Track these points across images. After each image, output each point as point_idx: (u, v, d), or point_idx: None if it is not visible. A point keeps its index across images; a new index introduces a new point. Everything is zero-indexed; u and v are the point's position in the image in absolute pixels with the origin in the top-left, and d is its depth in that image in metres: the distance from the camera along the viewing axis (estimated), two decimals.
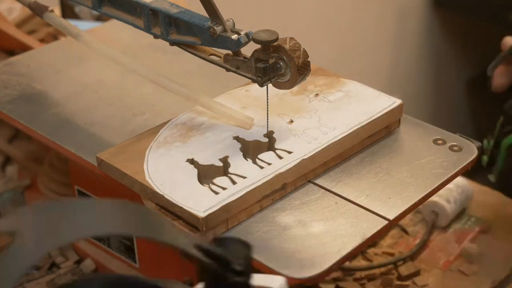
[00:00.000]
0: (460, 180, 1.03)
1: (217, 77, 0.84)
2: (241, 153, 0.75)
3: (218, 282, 0.54)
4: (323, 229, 0.69)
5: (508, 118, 0.95)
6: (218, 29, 0.72)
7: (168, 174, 0.72)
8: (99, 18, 1.20)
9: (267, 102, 0.77)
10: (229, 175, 0.72)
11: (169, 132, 0.78)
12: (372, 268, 0.94)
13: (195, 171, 0.73)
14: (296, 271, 0.65)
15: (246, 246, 0.55)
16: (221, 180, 0.71)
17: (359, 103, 0.82)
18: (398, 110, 0.82)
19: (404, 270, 0.94)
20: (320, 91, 0.84)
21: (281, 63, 0.73)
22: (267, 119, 0.77)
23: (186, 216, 0.68)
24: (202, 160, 0.74)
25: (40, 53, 1.00)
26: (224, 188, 0.70)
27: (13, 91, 0.90)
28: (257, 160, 0.74)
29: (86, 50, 0.84)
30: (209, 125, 0.79)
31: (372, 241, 0.70)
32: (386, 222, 0.70)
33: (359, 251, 0.69)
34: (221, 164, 0.74)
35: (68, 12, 1.22)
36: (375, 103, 0.81)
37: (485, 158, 0.96)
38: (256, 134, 0.77)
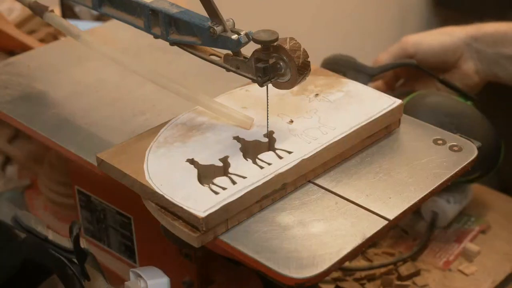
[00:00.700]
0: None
1: (217, 77, 0.84)
2: (241, 153, 0.75)
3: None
4: (323, 229, 0.69)
5: None
6: (218, 29, 0.72)
7: (168, 174, 0.72)
8: (99, 18, 1.20)
9: (267, 102, 0.77)
10: (229, 175, 0.72)
11: (169, 132, 0.78)
12: (372, 268, 0.94)
13: (195, 171, 0.73)
14: (296, 271, 0.65)
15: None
16: (221, 180, 0.71)
17: (359, 103, 0.82)
18: (398, 110, 0.82)
19: (404, 270, 0.94)
20: (320, 91, 0.84)
21: (281, 63, 0.73)
22: (267, 119, 0.77)
23: (186, 216, 0.68)
24: (202, 160, 0.74)
25: (40, 53, 1.00)
26: (224, 188, 0.70)
27: (13, 91, 0.90)
28: (257, 160, 0.74)
29: (86, 50, 0.84)
30: (209, 125, 0.79)
31: (372, 241, 0.70)
32: (386, 222, 0.70)
33: (359, 251, 0.69)
34: (221, 164, 0.74)
35: (68, 12, 1.22)
36: (375, 103, 0.81)
37: None
38: (256, 134, 0.77)
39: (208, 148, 0.75)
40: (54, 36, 1.17)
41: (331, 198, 0.73)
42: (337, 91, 0.84)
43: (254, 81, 0.73)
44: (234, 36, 0.72)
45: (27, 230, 0.65)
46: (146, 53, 0.97)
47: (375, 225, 0.70)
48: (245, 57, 0.74)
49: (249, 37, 0.72)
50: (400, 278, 0.94)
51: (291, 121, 0.79)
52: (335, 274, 0.93)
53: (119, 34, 1.00)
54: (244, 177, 0.71)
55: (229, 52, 0.74)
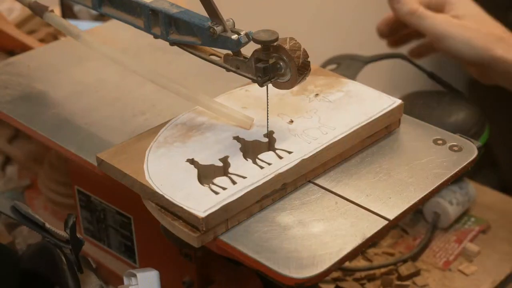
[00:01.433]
0: (463, 181, 1.04)
1: (217, 77, 0.84)
2: (241, 153, 0.75)
3: None
4: (323, 229, 0.69)
5: None
6: (218, 29, 0.72)
7: (168, 174, 0.72)
8: (99, 18, 1.20)
9: (267, 102, 0.77)
10: (229, 175, 0.72)
11: (169, 132, 0.78)
12: (372, 268, 0.94)
13: (195, 171, 0.73)
14: (296, 271, 0.65)
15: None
16: (221, 180, 0.71)
17: (359, 103, 0.82)
18: (398, 110, 0.82)
19: (404, 270, 0.94)
20: (320, 91, 0.84)
21: (281, 63, 0.73)
22: (267, 119, 0.77)
23: (186, 216, 0.68)
24: (202, 160, 0.74)
25: (40, 53, 1.00)
26: (224, 188, 0.70)
27: (13, 91, 0.90)
28: (257, 160, 0.74)
29: (86, 50, 0.84)
30: (209, 125, 0.79)
31: (372, 241, 0.70)
32: (386, 222, 0.70)
33: (359, 251, 0.69)
34: (221, 164, 0.74)
35: (68, 12, 1.22)
36: (375, 103, 0.81)
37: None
38: (256, 134, 0.77)
39: (208, 148, 0.75)
40: (54, 36, 1.17)
41: (331, 198, 0.73)
42: (337, 91, 0.84)
43: (254, 81, 0.73)
44: (234, 36, 0.72)
45: (25, 217, 0.66)
46: (146, 53, 0.97)
47: (375, 225, 0.70)
48: (245, 57, 0.74)
49: (249, 37, 0.72)
50: (400, 278, 0.94)
51: (291, 121, 0.79)
52: (335, 274, 0.93)
53: (119, 34, 1.00)
54: (244, 177, 0.71)
55: (229, 52, 0.74)
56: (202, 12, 0.73)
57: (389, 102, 0.81)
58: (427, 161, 0.78)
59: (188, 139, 0.77)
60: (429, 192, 0.74)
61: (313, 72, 0.75)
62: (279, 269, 0.65)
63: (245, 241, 0.68)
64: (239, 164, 0.73)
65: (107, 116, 0.85)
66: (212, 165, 0.73)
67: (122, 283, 0.75)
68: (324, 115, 0.80)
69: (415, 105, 1.01)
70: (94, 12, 0.83)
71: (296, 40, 0.73)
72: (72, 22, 0.86)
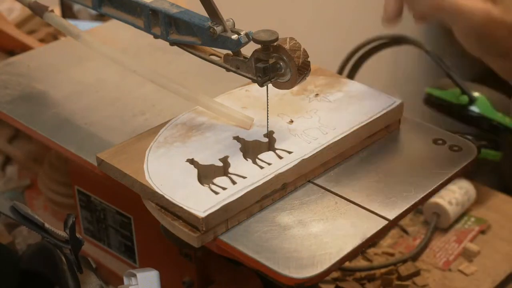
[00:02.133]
0: (463, 182, 1.04)
1: (217, 77, 0.84)
2: (241, 153, 0.75)
3: None
4: (323, 229, 0.69)
5: None
6: (218, 29, 0.72)
7: (168, 174, 0.72)
8: (98, 18, 1.20)
9: (267, 102, 0.77)
10: (229, 175, 0.72)
11: (169, 132, 0.78)
12: (372, 269, 0.94)
13: (195, 171, 0.73)
14: (296, 271, 0.65)
15: None
16: (221, 180, 0.71)
17: (359, 103, 0.82)
18: (398, 110, 0.82)
19: (404, 270, 0.94)
20: (320, 91, 0.84)
21: (281, 63, 0.73)
22: (267, 119, 0.77)
23: (186, 216, 0.68)
24: (202, 160, 0.74)
25: (40, 53, 1.00)
26: (224, 188, 0.70)
27: (13, 91, 0.90)
28: (257, 160, 0.74)
29: (86, 50, 0.84)
30: (209, 125, 0.79)
31: (372, 241, 0.70)
32: (386, 222, 0.70)
33: (359, 251, 0.69)
34: (221, 164, 0.74)
35: (68, 12, 1.22)
36: (375, 103, 0.81)
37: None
38: (256, 134, 0.77)
39: (208, 148, 0.75)
40: (54, 36, 1.17)
41: (331, 198, 0.73)
42: (337, 91, 0.84)
43: (254, 81, 0.73)
44: (234, 36, 0.72)
45: (25, 217, 0.66)
46: (146, 53, 0.97)
47: (375, 225, 0.70)
48: (245, 57, 0.74)
49: (249, 37, 0.72)
50: (400, 278, 0.93)
51: (291, 121, 0.79)
52: (335, 274, 0.93)
53: (119, 34, 1.00)
54: (244, 177, 0.71)
55: (229, 52, 0.74)
56: (202, 12, 0.73)
57: (389, 102, 0.81)
58: (427, 161, 0.78)
59: (188, 139, 0.77)
60: (429, 192, 0.74)
61: (313, 72, 0.75)
62: (279, 269, 0.65)
63: (245, 241, 0.68)
64: (239, 164, 0.73)
65: (107, 116, 0.85)
66: (212, 165, 0.73)
67: (122, 283, 0.75)
68: (324, 115, 0.80)
69: None
70: (94, 12, 0.83)
71: (296, 40, 0.73)
72: (72, 22, 0.86)
